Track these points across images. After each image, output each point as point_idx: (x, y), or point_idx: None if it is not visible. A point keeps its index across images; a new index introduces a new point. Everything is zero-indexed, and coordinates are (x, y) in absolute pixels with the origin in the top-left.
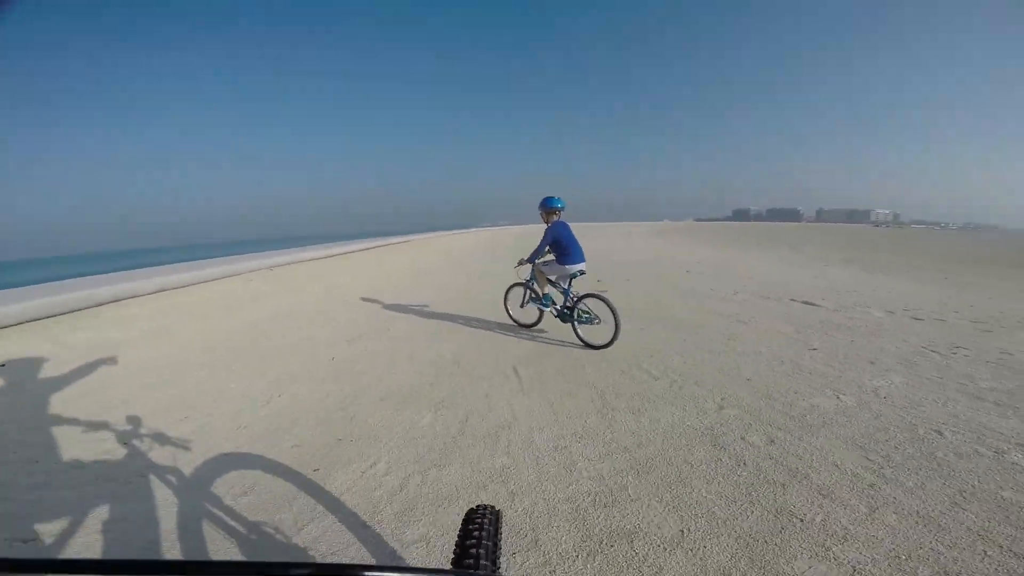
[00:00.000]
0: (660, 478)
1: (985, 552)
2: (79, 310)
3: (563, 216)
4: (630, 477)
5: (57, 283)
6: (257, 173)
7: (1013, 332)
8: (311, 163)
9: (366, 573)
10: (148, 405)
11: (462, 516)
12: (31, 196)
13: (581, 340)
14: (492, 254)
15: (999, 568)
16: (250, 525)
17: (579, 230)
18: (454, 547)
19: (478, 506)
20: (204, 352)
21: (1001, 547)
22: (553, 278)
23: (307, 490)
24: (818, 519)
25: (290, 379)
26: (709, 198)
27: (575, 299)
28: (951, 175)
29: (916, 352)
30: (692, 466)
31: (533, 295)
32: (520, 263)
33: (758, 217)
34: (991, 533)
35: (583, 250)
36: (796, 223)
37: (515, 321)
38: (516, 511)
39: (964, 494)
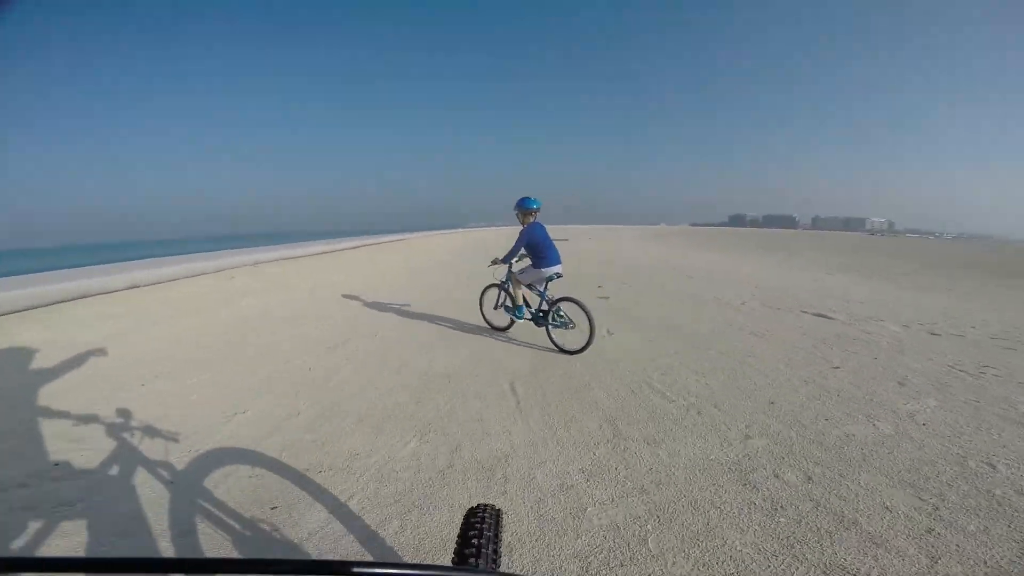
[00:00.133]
0: (685, 527)
1: None
2: (37, 307)
3: (539, 217)
4: (650, 526)
5: (19, 277)
6: (241, 168)
7: None
8: (300, 160)
9: (365, 569)
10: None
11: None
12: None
13: (555, 344)
14: (485, 254)
15: None
16: None
17: (573, 233)
18: (455, 545)
19: (478, 505)
20: (166, 359)
21: None
22: (528, 283)
23: (260, 537)
24: (874, 574)
25: (258, 391)
26: (705, 203)
27: (550, 303)
28: (945, 186)
29: (944, 372)
30: (721, 511)
31: (508, 302)
32: (494, 262)
33: (754, 223)
34: None
35: (559, 253)
36: (792, 230)
37: (488, 323)
38: (512, 567)
39: None
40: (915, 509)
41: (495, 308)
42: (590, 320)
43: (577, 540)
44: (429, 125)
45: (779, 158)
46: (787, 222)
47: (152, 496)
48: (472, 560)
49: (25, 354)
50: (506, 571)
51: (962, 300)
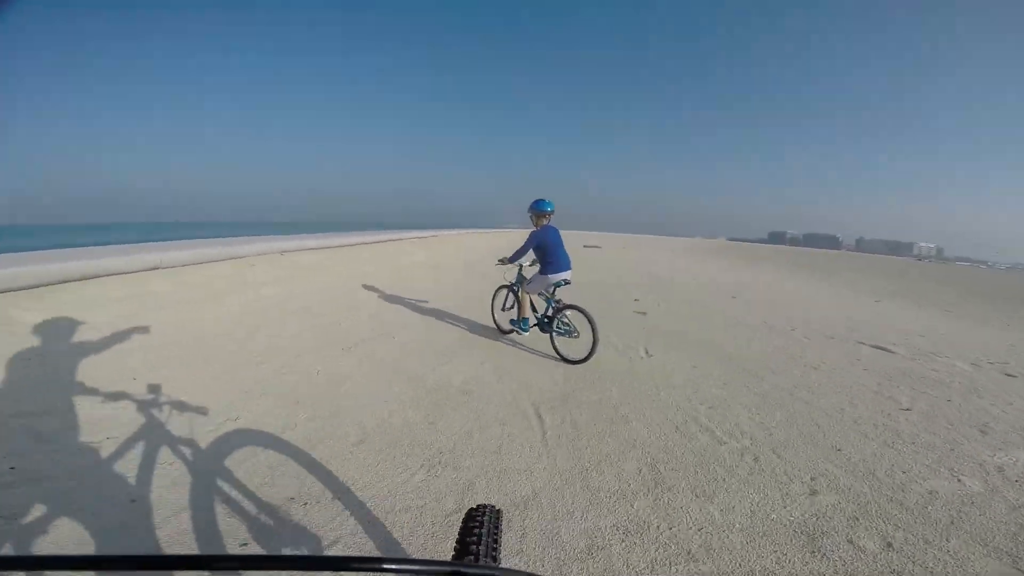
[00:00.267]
0: None
1: None
2: (38, 286)
3: (552, 220)
4: None
5: (21, 254)
6: (281, 152)
7: None
8: (343, 149)
9: (364, 565)
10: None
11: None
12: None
13: (557, 352)
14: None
15: None
16: None
17: (605, 240)
18: (455, 543)
19: (478, 505)
20: (164, 350)
21: None
22: (537, 291)
23: None
24: None
25: (256, 395)
26: (743, 217)
27: (556, 309)
28: (999, 214)
29: None
30: None
31: (514, 313)
32: (501, 261)
33: (794, 241)
34: None
35: (570, 258)
36: (835, 250)
37: (497, 326)
38: None
39: None
40: None
41: (503, 309)
42: (594, 330)
43: None
44: (482, 124)
45: (824, 174)
46: (829, 242)
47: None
48: (471, 558)
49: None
50: (505, 567)
51: None
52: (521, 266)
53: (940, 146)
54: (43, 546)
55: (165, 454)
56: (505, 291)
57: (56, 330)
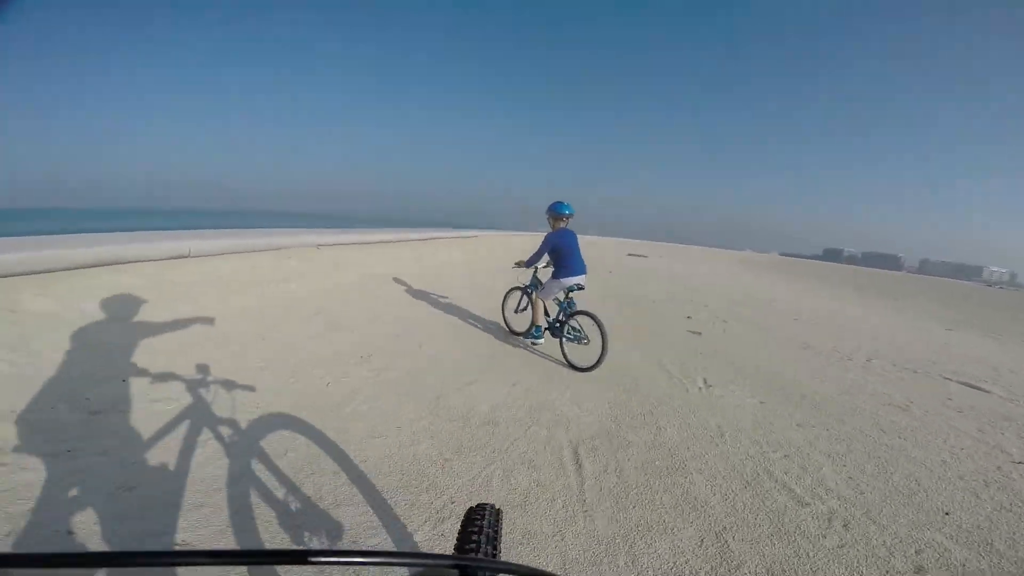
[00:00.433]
0: None
1: None
2: (51, 271)
3: (571, 224)
4: None
5: (37, 238)
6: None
7: None
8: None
9: (365, 559)
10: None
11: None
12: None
13: (566, 359)
14: None
15: None
16: None
17: (651, 250)
18: (456, 539)
19: (478, 504)
20: (168, 350)
21: None
22: (551, 296)
23: None
24: None
25: (256, 408)
26: (797, 232)
27: (568, 315)
28: None
29: None
30: None
31: (527, 316)
32: (518, 264)
33: (852, 260)
34: None
35: (585, 264)
36: (896, 271)
37: (508, 327)
38: None
39: None
40: None
41: (516, 312)
42: (603, 337)
43: None
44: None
45: (885, 189)
46: (890, 262)
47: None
48: (472, 555)
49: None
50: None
51: None
52: (536, 269)
53: (1016, 163)
54: None
55: (140, 482)
56: (518, 293)
57: (48, 321)
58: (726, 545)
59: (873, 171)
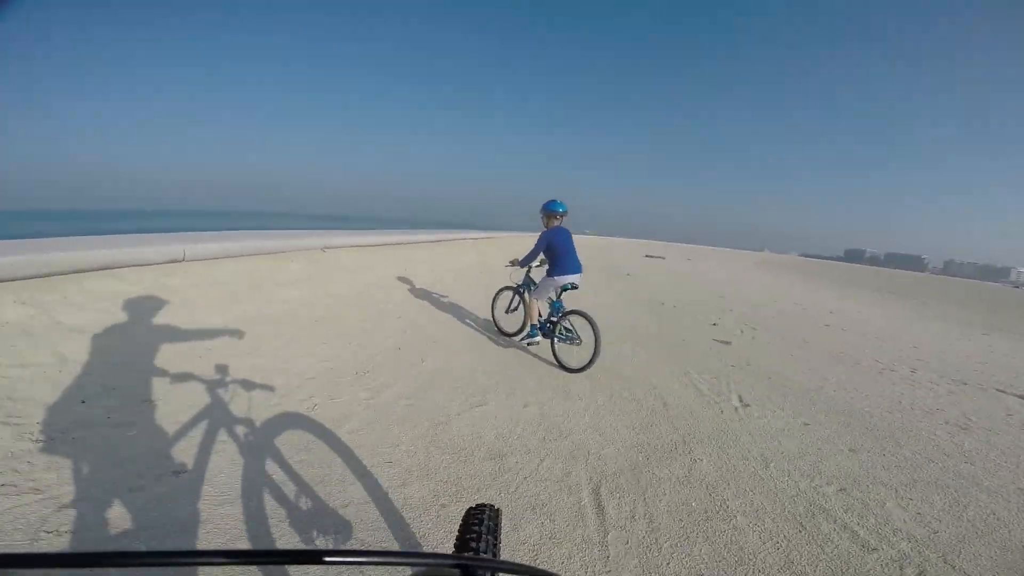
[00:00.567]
0: None
1: None
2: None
3: (564, 222)
4: None
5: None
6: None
7: None
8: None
9: (367, 558)
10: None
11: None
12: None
13: (557, 360)
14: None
15: None
16: None
17: (667, 251)
18: (455, 539)
19: (478, 505)
20: (132, 371)
21: None
22: (545, 296)
23: None
24: None
25: (222, 439)
26: (817, 232)
27: (560, 314)
28: None
29: None
30: None
31: (519, 317)
32: (511, 263)
33: (874, 261)
34: None
35: (580, 263)
36: (920, 273)
37: (498, 327)
38: None
39: None
40: None
41: (507, 312)
42: (596, 336)
43: None
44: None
45: (908, 187)
46: (914, 263)
47: None
48: (472, 554)
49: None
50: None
51: None
52: (530, 268)
53: None
54: None
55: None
56: (510, 293)
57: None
58: None
59: (895, 171)
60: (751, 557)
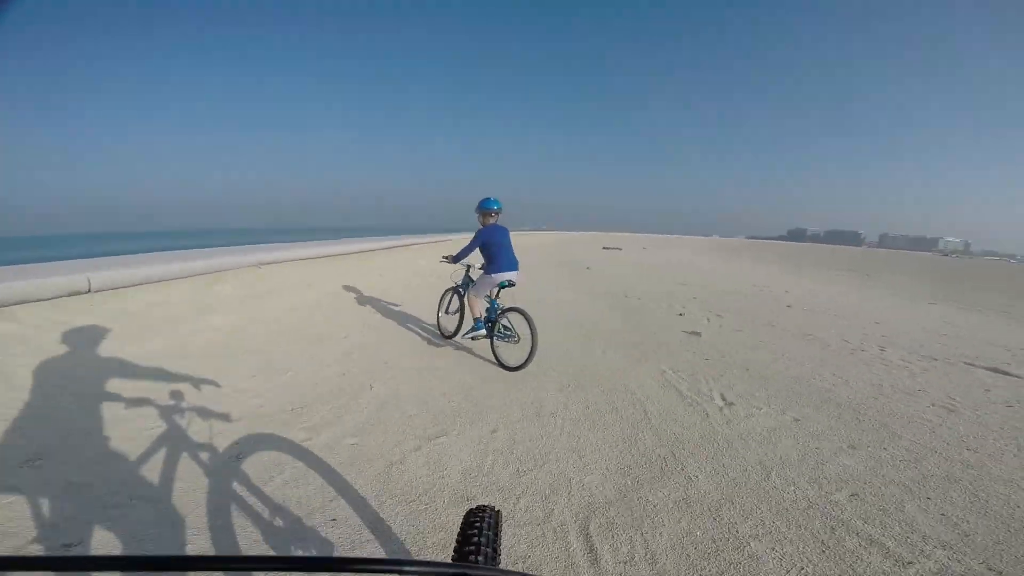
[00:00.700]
0: None
1: None
2: None
3: (500, 220)
4: None
5: None
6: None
7: None
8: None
9: (364, 566)
10: None
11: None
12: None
13: (496, 359)
14: (546, 261)
15: None
16: None
17: (623, 241)
18: (454, 543)
19: (477, 506)
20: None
21: None
22: (483, 294)
23: None
24: None
25: (124, 499)
26: (761, 215)
27: (498, 312)
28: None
29: None
30: None
31: (473, 321)
32: (445, 259)
33: (815, 238)
34: None
35: (516, 260)
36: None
37: (439, 329)
38: None
39: None
40: None
41: (447, 312)
42: (532, 332)
43: None
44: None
45: (841, 168)
46: (851, 238)
47: None
48: (472, 558)
49: None
50: (505, 568)
51: None
52: (469, 267)
53: (965, 135)
54: None
55: None
56: (451, 294)
57: None
58: None
59: (830, 148)
60: None
